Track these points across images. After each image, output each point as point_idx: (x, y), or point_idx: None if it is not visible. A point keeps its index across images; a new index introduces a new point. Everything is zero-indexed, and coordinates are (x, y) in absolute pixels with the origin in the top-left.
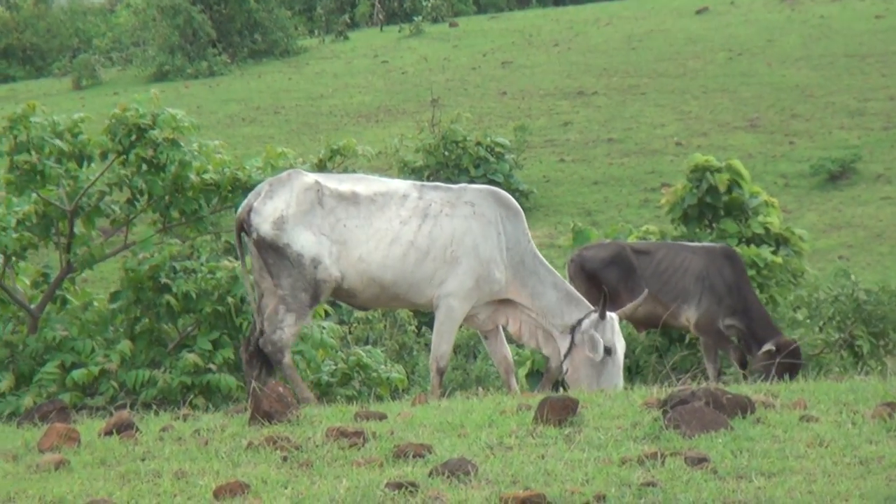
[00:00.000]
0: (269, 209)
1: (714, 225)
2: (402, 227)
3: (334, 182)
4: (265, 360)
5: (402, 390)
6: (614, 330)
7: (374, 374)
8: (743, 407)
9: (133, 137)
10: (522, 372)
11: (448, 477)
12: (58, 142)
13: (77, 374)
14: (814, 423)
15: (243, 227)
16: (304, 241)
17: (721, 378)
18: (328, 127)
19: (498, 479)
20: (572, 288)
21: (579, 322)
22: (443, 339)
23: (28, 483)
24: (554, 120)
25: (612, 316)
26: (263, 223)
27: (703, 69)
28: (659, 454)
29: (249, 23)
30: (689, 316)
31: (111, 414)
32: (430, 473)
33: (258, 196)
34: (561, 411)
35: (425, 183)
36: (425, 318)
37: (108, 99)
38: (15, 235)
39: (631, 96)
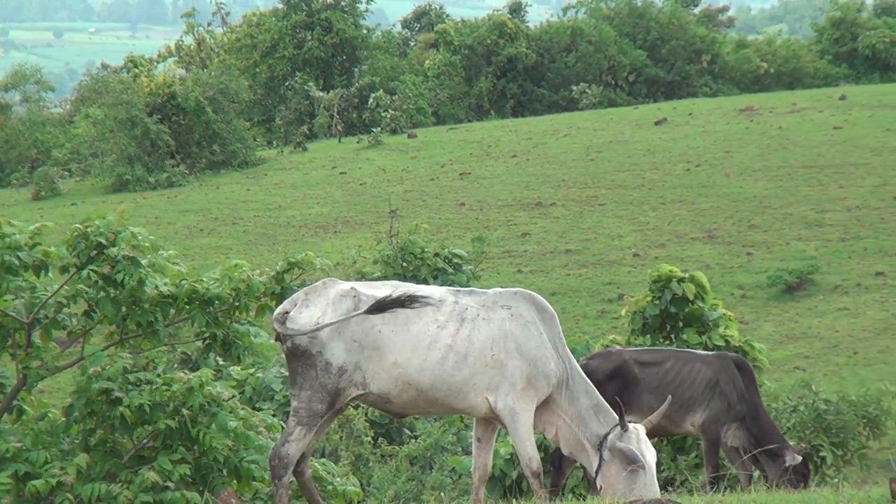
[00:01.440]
0: (306, 317)
1: (674, 336)
2: (439, 331)
3: (370, 289)
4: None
5: (358, 502)
6: (640, 440)
7: (330, 487)
8: None
9: (93, 253)
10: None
11: None
12: (18, 255)
13: (37, 483)
14: None
15: (277, 336)
16: (335, 348)
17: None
18: (286, 238)
19: None
20: (602, 398)
21: (605, 436)
22: (525, 444)
23: None
24: (512, 231)
25: (636, 427)
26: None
27: (662, 180)
28: None
29: (208, 133)
30: (694, 420)
31: None
32: None
33: (294, 304)
34: None
35: (459, 289)
36: (381, 428)
37: (67, 210)
38: None
39: (589, 207)
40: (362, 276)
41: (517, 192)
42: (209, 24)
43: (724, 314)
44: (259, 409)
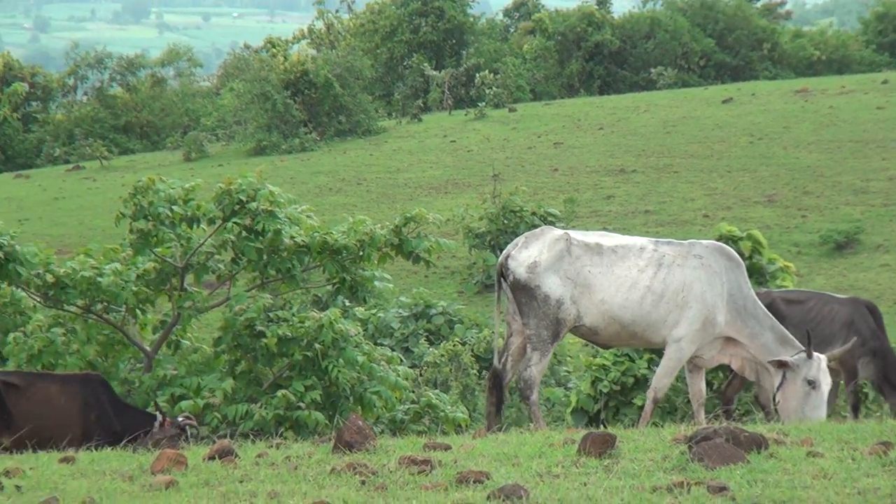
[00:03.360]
0: (525, 256)
1: None
2: (639, 275)
3: (580, 235)
4: (500, 391)
5: (465, 427)
6: (820, 368)
7: (442, 414)
8: (758, 444)
9: (236, 207)
10: (568, 410)
11: (503, 501)
12: (174, 208)
13: (185, 404)
14: (819, 459)
15: (502, 272)
16: (551, 283)
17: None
18: (404, 197)
19: (546, 502)
20: (786, 330)
21: (790, 360)
22: (666, 375)
23: (142, 500)
24: (598, 193)
25: (818, 356)
26: (519, 267)
27: (728, 151)
28: (685, 483)
29: (336, 106)
30: (833, 354)
31: (214, 442)
32: (488, 497)
33: (515, 246)
34: (601, 445)
35: (659, 239)
36: (485, 362)
37: (214, 170)
38: (135, 289)
39: (665, 174)
40: (469, 231)
41: (603, 160)
42: (337, 11)
43: (782, 266)
44: (380, 345)
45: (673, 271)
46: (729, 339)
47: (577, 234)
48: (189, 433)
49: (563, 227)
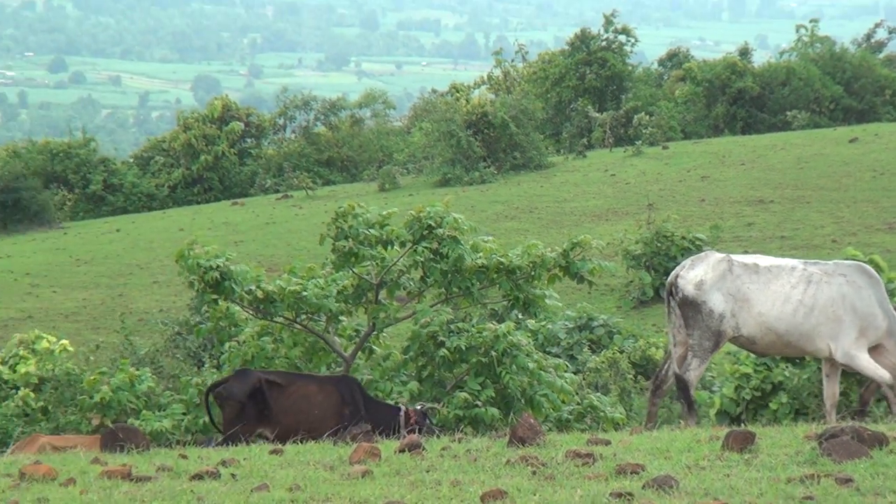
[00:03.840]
0: (692, 276)
1: None
2: (791, 290)
3: (740, 257)
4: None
5: (622, 425)
6: None
7: (602, 414)
8: (880, 441)
9: (424, 232)
10: (712, 412)
11: (656, 489)
12: (370, 231)
13: None
14: None
15: (671, 290)
16: (715, 300)
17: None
18: (570, 223)
19: (694, 491)
20: None
21: None
22: (872, 372)
23: (341, 487)
24: (740, 221)
25: None
26: (687, 286)
27: (854, 184)
28: (816, 475)
29: (511, 143)
30: None
31: (403, 437)
32: (643, 486)
33: (683, 267)
34: (742, 441)
35: (807, 260)
36: (640, 368)
37: (405, 199)
38: (335, 303)
39: (798, 204)
40: (627, 253)
41: (744, 192)
42: (513, 60)
43: None
44: (548, 353)
45: (821, 287)
46: (875, 347)
47: (737, 256)
48: (431, 420)
49: (708, 250)
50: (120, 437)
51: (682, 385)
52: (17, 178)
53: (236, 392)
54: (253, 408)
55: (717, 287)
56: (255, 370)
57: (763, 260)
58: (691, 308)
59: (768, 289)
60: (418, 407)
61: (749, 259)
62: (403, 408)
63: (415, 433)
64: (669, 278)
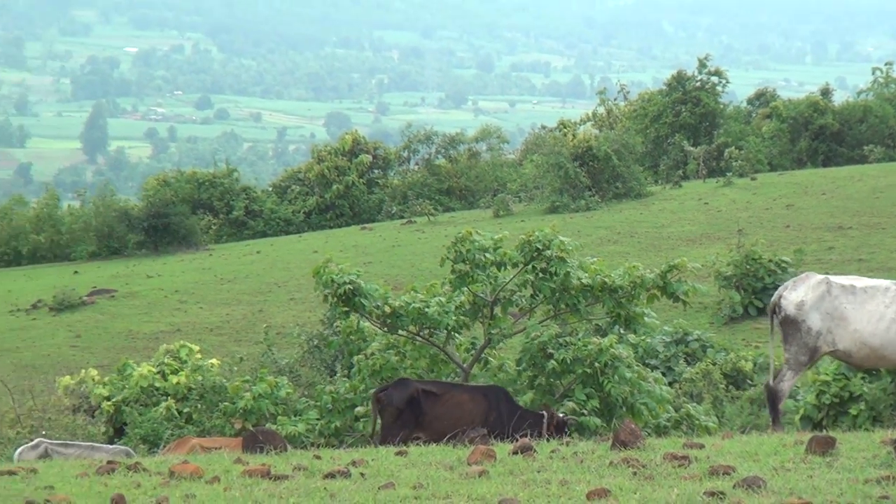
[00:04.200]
0: (794, 296)
1: None
2: (885, 309)
3: (837, 278)
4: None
5: (715, 432)
6: None
7: (697, 421)
8: None
9: (534, 254)
10: (797, 417)
11: (746, 489)
12: (486, 254)
13: None
14: None
15: (775, 309)
16: (814, 319)
17: None
18: (667, 247)
19: (780, 491)
20: None
21: None
22: None
23: (460, 486)
24: (821, 245)
25: None
26: (789, 305)
27: None
28: (891, 477)
29: (614, 174)
30: None
31: (516, 440)
32: (734, 486)
33: (786, 288)
34: (824, 446)
35: None
36: (731, 379)
37: (517, 225)
38: (454, 318)
39: (875, 230)
40: (718, 274)
41: (825, 219)
42: (615, 99)
43: None
44: (647, 365)
45: None
46: None
47: (834, 278)
48: (571, 428)
49: (793, 272)
50: (260, 440)
51: (772, 395)
52: (168, 204)
53: (395, 399)
54: (410, 414)
55: (816, 307)
56: (413, 380)
57: (859, 281)
58: (791, 326)
59: (864, 308)
60: (561, 415)
61: (846, 280)
62: (546, 415)
63: (559, 433)
64: (773, 298)
